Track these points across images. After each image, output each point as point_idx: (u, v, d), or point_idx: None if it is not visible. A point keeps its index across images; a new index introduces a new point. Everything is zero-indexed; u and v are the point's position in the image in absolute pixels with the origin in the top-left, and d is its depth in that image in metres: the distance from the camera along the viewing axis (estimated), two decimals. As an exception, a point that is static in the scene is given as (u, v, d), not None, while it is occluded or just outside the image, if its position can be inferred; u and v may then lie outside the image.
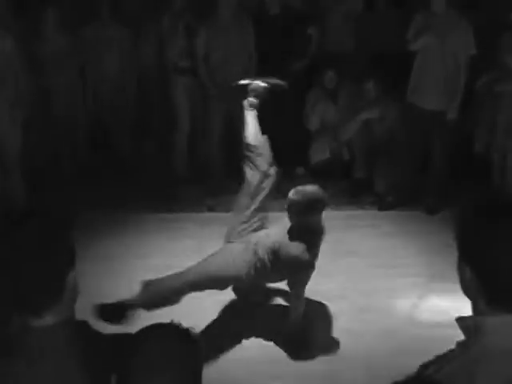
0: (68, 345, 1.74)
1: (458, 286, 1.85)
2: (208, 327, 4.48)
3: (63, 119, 6.71)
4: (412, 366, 1.77)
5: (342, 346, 4.37)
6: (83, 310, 1.94)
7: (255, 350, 4.32)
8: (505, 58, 5.96)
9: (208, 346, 4.13)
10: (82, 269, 1.85)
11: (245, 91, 5.94)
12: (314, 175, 6.90)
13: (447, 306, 4.60)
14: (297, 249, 4.06)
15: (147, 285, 4.19)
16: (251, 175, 4.46)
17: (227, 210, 6.10)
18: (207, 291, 4.83)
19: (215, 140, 6.66)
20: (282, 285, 4.44)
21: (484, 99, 6.25)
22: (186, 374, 1.58)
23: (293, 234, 4.16)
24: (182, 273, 4.21)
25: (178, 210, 6.36)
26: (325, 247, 4.40)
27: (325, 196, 4.23)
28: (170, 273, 4.50)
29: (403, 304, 4.82)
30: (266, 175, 4.44)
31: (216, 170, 6.74)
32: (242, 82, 6.37)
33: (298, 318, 4.27)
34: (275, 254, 4.11)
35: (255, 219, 4.43)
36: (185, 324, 1.66)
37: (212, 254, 4.30)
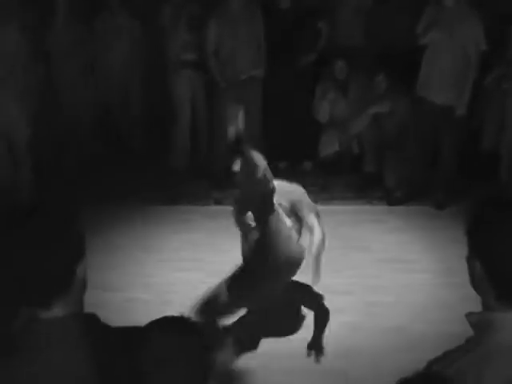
0: (76, 337, 1.74)
1: (467, 281, 1.84)
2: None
3: (70, 110, 6.70)
4: (420, 362, 1.76)
5: (349, 341, 4.37)
6: (90, 303, 1.93)
7: (267, 345, 4.31)
8: (512, 54, 5.93)
9: (218, 339, 4.18)
10: (88, 261, 1.85)
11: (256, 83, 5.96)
12: (322, 170, 6.89)
13: (456, 301, 4.59)
14: None
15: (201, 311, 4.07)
16: None
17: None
18: (213, 285, 4.85)
19: (225, 133, 6.63)
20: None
21: (492, 96, 6.21)
22: (195, 367, 1.58)
23: None
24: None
25: (185, 203, 6.36)
26: (333, 242, 4.39)
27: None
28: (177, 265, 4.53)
29: (411, 299, 4.80)
30: None
31: (224, 164, 6.72)
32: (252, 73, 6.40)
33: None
34: None
35: None
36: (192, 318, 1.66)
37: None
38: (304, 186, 6.55)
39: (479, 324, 1.70)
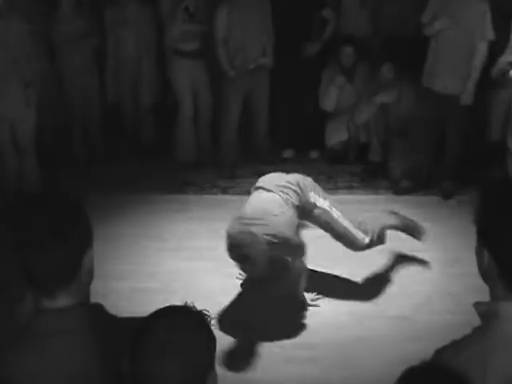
0: (81, 327, 1.74)
1: (473, 272, 1.83)
2: (220, 310, 4.48)
3: (77, 101, 6.70)
4: (426, 352, 1.76)
5: (355, 331, 4.37)
6: (95, 292, 1.93)
7: (267, 334, 4.32)
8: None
9: (220, 328, 4.20)
10: (94, 250, 1.84)
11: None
12: (329, 159, 6.88)
13: (462, 291, 4.58)
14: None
15: None
16: None
17: (240, 193, 6.10)
18: (218, 274, 4.88)
19: (232, 122, 6.61)
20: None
21: (498, 85, 6.17)
22: (198, 357, 1.57)
23: None
24: None
25: (191, 192, 6.36)
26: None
27: None
28: (183, 254, 4.52)
29: (417, 289, 4.80)
30: None
31: (231, 153, 6.71)
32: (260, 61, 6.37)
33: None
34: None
35: None
36: (198, 306, 1.65)
37: None
38: (310, 175, 6.59)
39: (486, 314, 1.70)
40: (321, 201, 4.50)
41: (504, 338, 1.64)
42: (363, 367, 4.05)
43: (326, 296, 4.61)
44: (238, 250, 4.03)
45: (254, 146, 6.92)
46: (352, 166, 6.75)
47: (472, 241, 1.78)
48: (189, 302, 1.66)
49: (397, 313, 4.55)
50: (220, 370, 1.66)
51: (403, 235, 5.06)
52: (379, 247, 4.91)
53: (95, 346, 1.73)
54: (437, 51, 5.83)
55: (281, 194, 4.31)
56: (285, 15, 6.52)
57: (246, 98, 6.55)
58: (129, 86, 6.95)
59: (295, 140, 6.95)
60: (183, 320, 1.60)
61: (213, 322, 1.64)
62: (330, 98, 6.64)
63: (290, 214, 4.26)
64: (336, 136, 6.78)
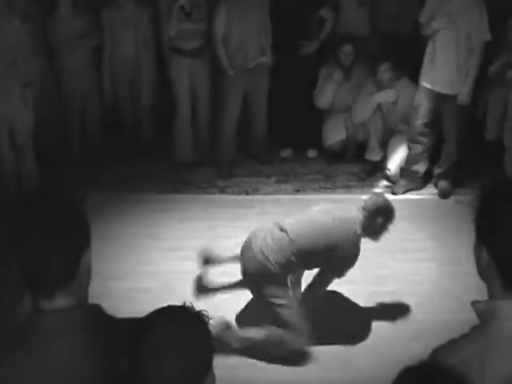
0: (79, 328, 1.74)
1: (472, 271, 1.83)
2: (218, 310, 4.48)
3: (75, 101, 6.70)
4: (425, 351, 1.76)
5: (353, 330, 4.38)
6: (94, 292, 1.93)
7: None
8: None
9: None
10: (92, 250, 1.84)
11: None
12: (327, 158, 6.87)
13: (461, 291, 4.59)
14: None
15: None
16: None
17: (237, 193, 6.11)
18: (216, 273, 4.88)
19: (231, 121, 6.60)
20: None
21: (496, 85, 6.17)
22: (197, 357, 1.57)
23: None
24: None
25: (189, 192, 6.36)
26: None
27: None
28: (181, 254, 4.51)
29: (416, 289, 4.80)
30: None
31: (229, 153, 6.70)
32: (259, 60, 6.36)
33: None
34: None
35: None
36: (196, 307, 1.65)
37: None
38: (308, 175, 6.59)
39: (484, 312, 1.70)
40: None
41: (502, 336, 1.64)
42: (361, 366, 4.06)
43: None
44: None
45: (252, 145, 6.92)
46: (350, 166, 6.75)
47: (470, 240, 1.79)
48: (187, 301, 1.66)
49: (395, 312, 4.56)
50: (218, 369, 1.66)
51: (400, 235, 5.06)
52: (378, 246, 4.92)
53: (94, 347, 1.73)
54: (434, 51, 5.83)
55: None
56: (283, 15, 6.52)
57: (245, 97, 6.55)
58: (127, 86, 6.94)
59: (293, 139, 6.95)
60: (182, 319, 1.60)
61: (211, 321, 1.64)
62: (326, 94, 6.61)
63: None
64: (334, 135, 6.77)
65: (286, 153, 6.99)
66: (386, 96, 6.30)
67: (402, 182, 6.28)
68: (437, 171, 6.25)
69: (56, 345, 1.71)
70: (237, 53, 6.31)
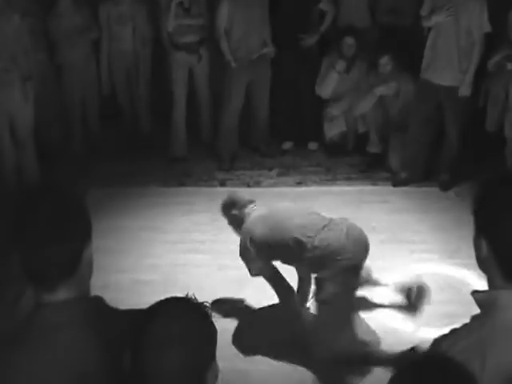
0: (81, 321, 1.74)
1: (472, 263, 1.84)
2: (218, 302, 4.50)
3: (76, 95, 6.70)
4: (425, 341, 1.77)
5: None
6: (97, 285, 1.94)
7: (264, 325, 4.35)
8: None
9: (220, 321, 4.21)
10: (94, 243, 1.85)
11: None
12: (328, 150, 6.88)
13: (460, 281, 4.60)
14: None
15: None
16: None
17: (238, 185, 6.11)
18: (218, 266, 4.89)
19: (233, 114, 6.60)
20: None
21: (496, 77, 6.17)
22: (199, 348, 1.58)
23: None
24: None
25: (190, 185, 6.36)
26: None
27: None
28: (183, 246, 4.49)
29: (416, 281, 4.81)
30: None
31: (230, 146, 6.70)
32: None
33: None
34: None
35: None
36: (199, 299, 1.66)
37: None
38: (309, 167, 6.59)
39: (485, 302, 1.71)
40: None
41: (502, 326, 1.65)
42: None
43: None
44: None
45: (253, 138, 6.93)
46: (351, 158, 6.75)
47: (471, 232, 1.79)
48: (190, 293, 1.67)
49: (396, 304, 4.57)
50: (220, 361, 1.67)
51: (400, 227, 5.07)
52: (379, 238, 4.93)
53: (96, 339, 1.73)
54: (435, 43, 5.83)
55: None
56: (284, 7, 6.52)
57: (247, 90, 6.55)
58: (125, 80, 6.95)
59: (294, 132, 6.95)
60: (185, 311, 1.61)
61: (213, 313, 1.65)
62: (328, 84, 6.60)
63: None
64: (334, 127, 6.78)
65: (288, 145, 7.00)
66: (386, 89, 6.29)
67: (403, 174, 6.28)
68: (438, 163, 6.25)
69: (58, 337, 1.71)
70: (239, 45, 6.32)
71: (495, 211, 1.70)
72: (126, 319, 1.69)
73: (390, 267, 4.93)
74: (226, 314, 4.35)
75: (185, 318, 1.59)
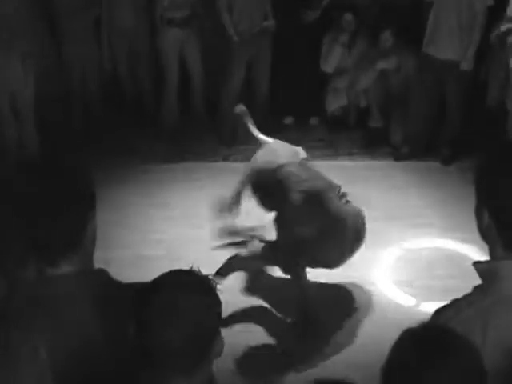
0: (85, 294, 1.75)
1: (474, 237, 1.85)
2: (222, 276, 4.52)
3: (77, 71, 6.67)
4: (426, 315, 1.78)
5: (355, 295, 4.43)
6: (101, 260, 1.95)
7: (264, 309, 4.38)
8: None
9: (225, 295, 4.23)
10: (98, 218, 1.85)
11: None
12: (329, 125, 6.87)
13: (462, 256, 4.63)
14: None
15: None
16: None
17: (241, 160, 6.12)
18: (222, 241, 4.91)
19: (235, 88, 6.58)
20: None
21: (497, 51, 6.14)
22: (205, 320, 1.58)
23: None
24: None
25: (193, 160, 6.36)
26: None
27: None
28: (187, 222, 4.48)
29: (417, 255, 4.84)
30: None
31: (231, 120, 6.68)
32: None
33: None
34: None
35: None
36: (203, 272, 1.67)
37: None
38: (310, 142, 6.58)
39: (487, 273, 1.71)
40: None
41: (504, 296, 1.65)
42: (365, 332, 4.11)
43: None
44: None
45: (254, 112, 6.90)
46: (352, 133, 6.74)
47: (472, 206, 1.80)
48: (194, 267, 1.67)
49: (396, 278, 4.60)
50: (226, 335, 1.68)
51: (401, 201, 5.07)
52: (381, 213, 4.95)
53: (100, 310, 1.74)
54: (437, 17, 5.80)
55: None
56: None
57: (247, 65, 6.53)
58: (126, 55, 6.91)
59: (295, 106, 6.94)
60: (189, 282, 1.61)
61: (218, 287, 1.65)
62: (332, 58, 6.57)
63: None
64: (336, 101, 6.77)
65: (289, 120, 6.99)
66: (388, 63, 6.27)
67: (405, 149, 6.28)
68: (439, 138, 6.25)
69: (62, 309, 1.72)
70: (241, 19, 6.29)
71: (496, 181, 1.71)
72: (130, 292, 1.68)
73: (391, 241, 4.95)
74: (229, 288, 4.38)
75: (189, 290, 1.59)
